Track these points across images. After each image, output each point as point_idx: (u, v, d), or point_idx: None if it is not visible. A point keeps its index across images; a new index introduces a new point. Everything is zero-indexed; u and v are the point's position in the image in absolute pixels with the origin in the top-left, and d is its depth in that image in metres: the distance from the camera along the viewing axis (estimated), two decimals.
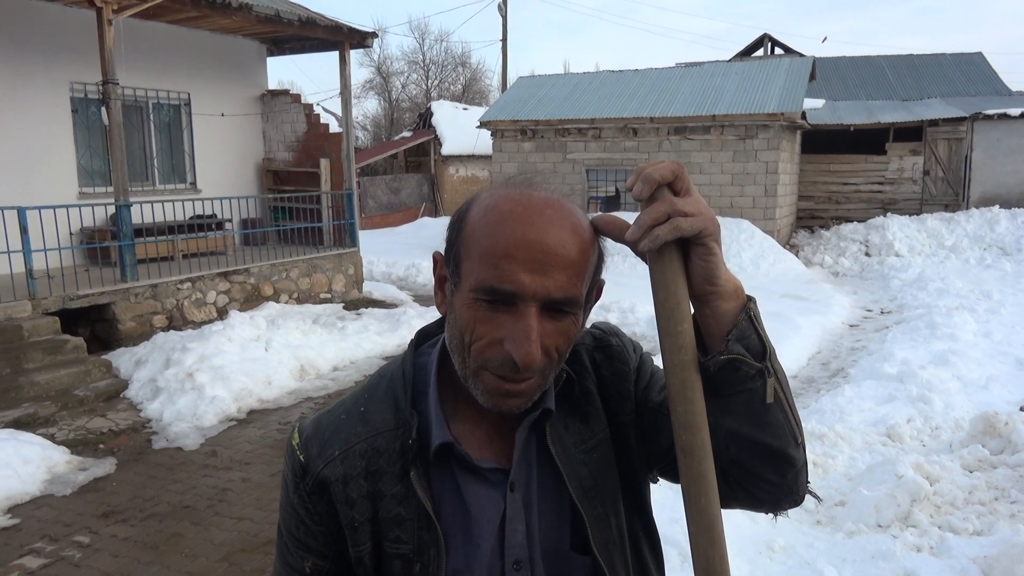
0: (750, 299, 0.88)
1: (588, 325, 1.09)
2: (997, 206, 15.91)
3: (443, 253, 0.95)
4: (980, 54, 22.21)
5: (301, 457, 0.98)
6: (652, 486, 1.10)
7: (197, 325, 8.43)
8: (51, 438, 5.69)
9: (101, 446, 5.73)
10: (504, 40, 26.61)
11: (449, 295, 0.93)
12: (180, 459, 5.52)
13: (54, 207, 7.64)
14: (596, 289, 0.96)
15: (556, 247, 0.85)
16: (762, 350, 0.86)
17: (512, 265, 0.85)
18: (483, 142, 21.40)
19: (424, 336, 1.06)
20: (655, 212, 0.81)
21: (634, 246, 0.85)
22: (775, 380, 0.88)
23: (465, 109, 27.20)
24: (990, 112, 16.61)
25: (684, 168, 0.83)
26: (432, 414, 0.96)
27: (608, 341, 1.05)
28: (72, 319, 7.64)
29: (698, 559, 0.87)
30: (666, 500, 3.42)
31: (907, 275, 12.72)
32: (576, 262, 0.87)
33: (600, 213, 0.90)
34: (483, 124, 17.25)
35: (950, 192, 17.50)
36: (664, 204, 0.81)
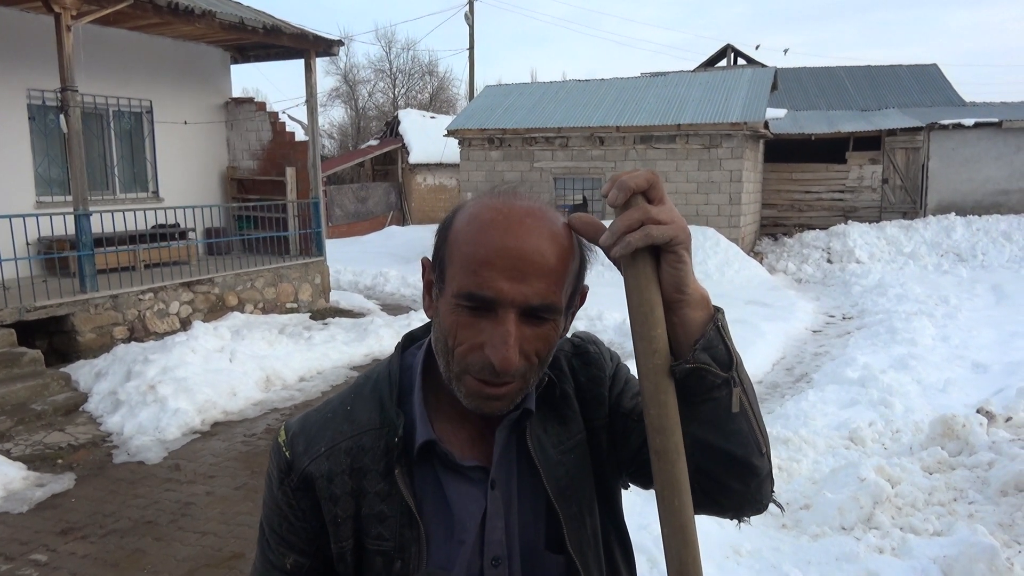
0: (718, 310, 0.90)
1: (569, 333, 1.11)
2: (953, 213, 16.34)
3: (430, 259, 0.98)
4: (935, 66, 22.81)
5: (287, 454, 1.01)
6: (623, 492, 1.13)
7: (159, 336, 8.28)
8: (7, 454, 5.54)
9: (59, 461, 5.59)
10: (471, 49, 26.68)
11: (435, 299, 0.96)
12: (142, 473, 5.41)
13: (10, 216, 7.46)
14: (580, 295, 1.00)
15: (534, 255, 0.88)
16: (729, 360, 0.88)
17: (491, 272, 0.87)
18: (451, 151, 21.40)
19: (411, 339, 1.09)
20: (628, 219, 0.83)
21: (607, 251, 0.87)
22: (741, 390, 0.89)
23: (432, 118, 27.16)
24: (945, 122, 17.06)
25: (659, 178, 0.85)
26: (416, 413, 0.99)
27: (586, 348, 1.09)
28: (29, 331, 7.45)
29: (671, 560, 0.88)
30: (634, 506, 3.44)
31: (868, 281, 12.97)
32: (554, 269, 0.89)
33: (577, 213, 0.92)
34: (450, 133, 17.24)
35: (908, 200, 17.92)
36: (638, 211, 0.83)
